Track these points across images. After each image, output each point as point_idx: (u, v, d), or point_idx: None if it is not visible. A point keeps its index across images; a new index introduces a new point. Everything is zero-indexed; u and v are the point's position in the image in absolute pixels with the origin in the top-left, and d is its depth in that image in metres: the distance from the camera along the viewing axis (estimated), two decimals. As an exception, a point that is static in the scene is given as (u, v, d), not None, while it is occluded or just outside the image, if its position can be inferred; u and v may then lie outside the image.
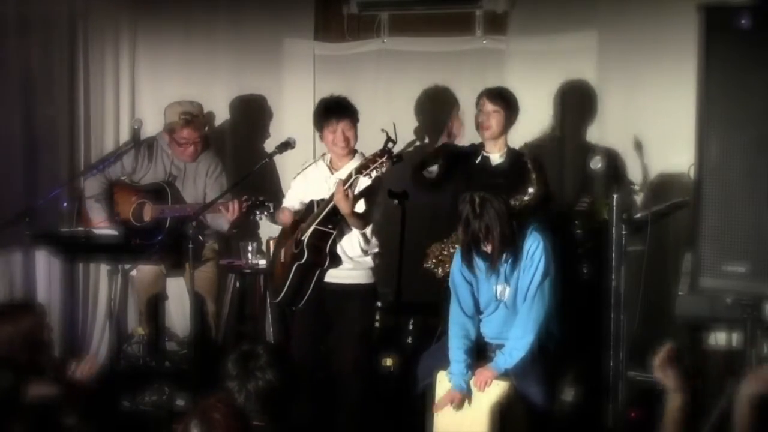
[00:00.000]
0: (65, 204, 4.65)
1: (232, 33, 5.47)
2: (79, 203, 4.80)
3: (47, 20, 5.16)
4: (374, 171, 3.84)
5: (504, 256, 3.60)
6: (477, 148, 4.34)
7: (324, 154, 4.28)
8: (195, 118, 4.74)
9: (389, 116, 5.09)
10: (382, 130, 3.91)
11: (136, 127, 4.96)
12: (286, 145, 4.37)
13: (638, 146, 4.51)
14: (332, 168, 4.19)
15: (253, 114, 5.47)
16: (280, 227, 4.45)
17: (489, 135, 4.26)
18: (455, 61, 5.18)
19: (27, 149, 5.05)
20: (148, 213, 4.67)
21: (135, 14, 5.57)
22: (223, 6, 5.48)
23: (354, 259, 4.13)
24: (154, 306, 4.96)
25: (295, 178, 4.36)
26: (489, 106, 4.23)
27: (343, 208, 3.88)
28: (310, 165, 4.31)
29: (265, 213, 4.28)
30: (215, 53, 5.49)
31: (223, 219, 4.44)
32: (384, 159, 3.82)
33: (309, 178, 4.26)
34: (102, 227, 4.63)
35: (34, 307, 3.37)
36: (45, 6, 5.14)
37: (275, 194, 5.27)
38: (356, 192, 3.90)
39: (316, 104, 4.28)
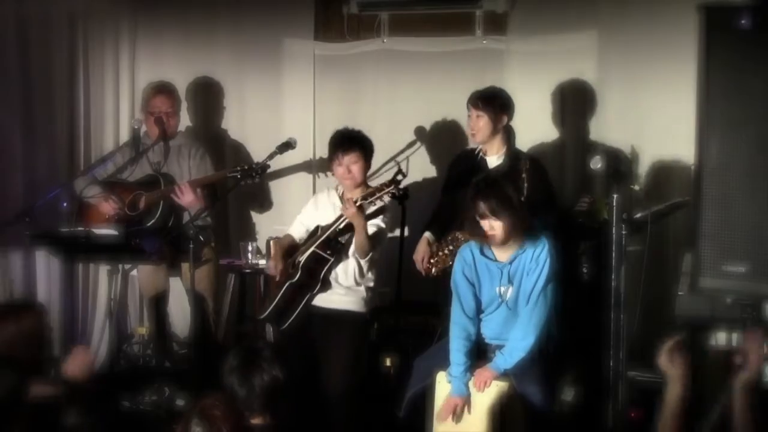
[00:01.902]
0: (65, 204, 4.64)
1: (232, 33, 5.47)
2: (79, 204, 4.81)
3: (47, 20, 5.17)
4: (379, 200, 3.84)
5: (511, 255, 3.60)
6: (477, 151, 4.34)
7: (338, 185, 4.26)
8: (165, 86, 4.87)
9: (389, 116, 5.13)
10: (396, 161, 3.92)
11: (136, 127, 4.97)
12: (287, 146, 4.38)
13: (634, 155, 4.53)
14: (344, 198, 4.16)
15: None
16: (279, 227, 4.46)
17: (476, 140, 4.28)
18: (455, 61, 5.17)
19: (27, 149, 5.05)
20: (143, 202, 4.67)
21: (135, 14, 5.58)
22: (223, 6, 5.49)
23: (347, 287, 4.11)
24: (158, 306, 4.97)
25: (306, 204, 4.35)
26: (472, 111, 4.24)
27: (357, 222, 3.88)
28: (322, 193, 4.31)
29: (256, 179, 4.34)
30: (215, 53, 5.49)
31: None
32: (390, 189, 3.82)
33: (320, 205, 4.25)
34: (105, 225, 4.63)
35: (36, 306, 3.37)
36: (45, 6, 5.14)
37: (268, 195, 5.32)
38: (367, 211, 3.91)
39: (331, 137, 4.22)
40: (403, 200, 3.89)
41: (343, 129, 4.22)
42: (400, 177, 3.87)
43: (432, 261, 4.30)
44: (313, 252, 4.04)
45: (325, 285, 4.06)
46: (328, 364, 4.02)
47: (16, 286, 4.99)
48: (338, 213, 4.06)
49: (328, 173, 4.53)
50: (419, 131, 5.17)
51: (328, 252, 4.02)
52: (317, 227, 4.14)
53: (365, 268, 4.12)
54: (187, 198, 4.54)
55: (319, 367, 4.06)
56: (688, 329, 3.69)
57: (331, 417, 4.03)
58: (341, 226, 4.01)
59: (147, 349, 5.07)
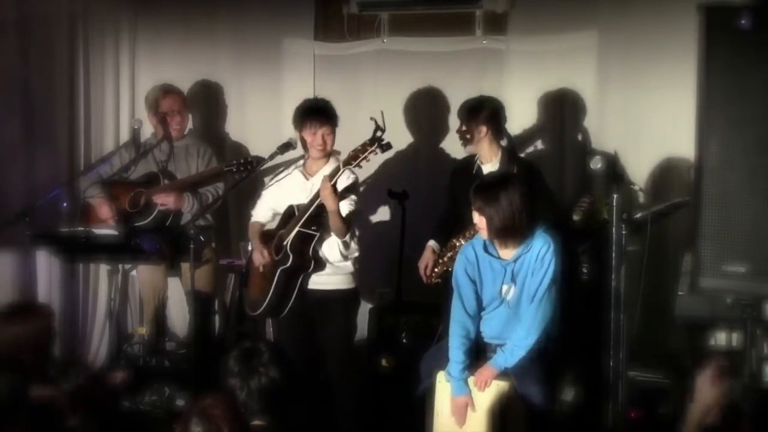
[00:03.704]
0: (65, 204, 4.65)
1: (232, 33, 5.48)
2: (83, 204, 4.82)
3: (47, 20, 5.17)
4: (365, 160, 3.84)
5: (515, 253, 3.62)
6: (474, 160, 4.35)
7: (298, 161, 4.25)
8: (173, 87, 4.93)
9: (389, 116, 5.11)
10: (371, 118, 3.91)
11: (136, 127, 4.98)
12: (287, 146, 4.37)
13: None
14: (307, 173, 4.19)
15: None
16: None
17: (466, 150, 4.34)
18: (455, 61, 5.17)
19: (27, 149, 5.05)
20: (144, 200, 4.69)
21: (135, 14, 5.58)
22: (223, 6, 5.49)
23: (334, 264, 4.11)
24: (160, 306, 4.98)
25: (266, 188, 4.33)
26: (460, 123, 4.31)
27: (330, 204, 3.88)
28: (283, 176, 4.26)
29: (252, 172, 4.36)
30: (215, 53, 5.49)
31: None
32: (374, 147, 3.82)
33: (284, 188, 4.24)
34: (105, 225, 4.64)
35: (42, 309, 3.35)
36: (45, 6, 5.14)
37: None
38: (340, 188, 3.90)
39: (299, 104, 4.25)
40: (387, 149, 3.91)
41: (314, 99, 4.31)
42: (379, 133, 3.86)
43: (435, 270, 4.31)
44: (299, 232, 4.03)
45: (318, 263, 4.06)
46: (327, 345, 4.12)
47: (16, 286, 4.99)
48: (306, 191, 4.10)
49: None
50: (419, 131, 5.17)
51: (313, 228, 4.03)
52: (291, 207, 4.13)
53: (348, 240, 4.11)
54: (167, 201, 4.59)
55: (318, 349, 4.16)
56: (681, 334, 3.69)
57: (336, 397, 4.10)
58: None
59: (147, 349, 5.07)
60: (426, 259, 4.34)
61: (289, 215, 4.11)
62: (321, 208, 3.95)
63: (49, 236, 4.53)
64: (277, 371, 2.56)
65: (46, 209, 4.54)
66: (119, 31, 5.54)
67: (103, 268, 5.28)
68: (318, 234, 4.03)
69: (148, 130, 5.03)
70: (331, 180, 3.85)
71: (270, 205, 4.29)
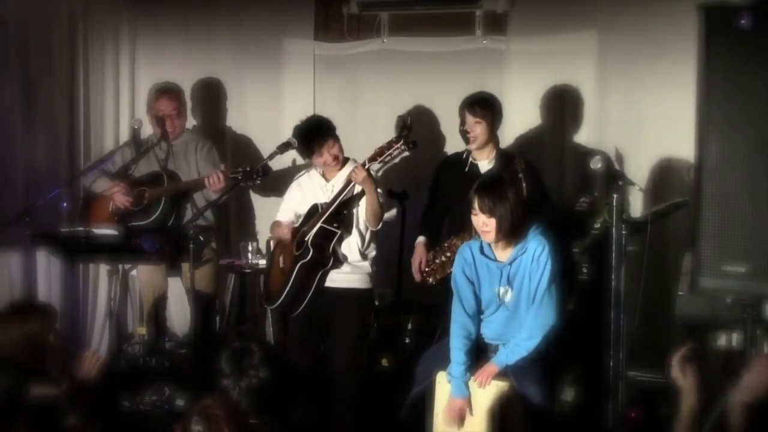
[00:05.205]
0: (65, 204, 4.65)
1: (232, 33, 5.48)
2: (85, 200, 4.82)
3: (47, 20, 5.17)
4: (390, 158, 3.84)
5: (511, 255, 3.61)
6: (465, 156, 4.33)
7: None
8: (169, 88, 4.90)
9: (389, 116, 5.12)
10: (399, 116, 3.91)
11: (136, 127, 4.97)
12: (287, 146, 4.37)
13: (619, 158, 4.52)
14: (326, 177, 4.21)
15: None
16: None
17: (476, 146, 4.25)
18: (455, 61, 5.18)
19: (27, 149, 5.05)
20: (147, 198, 4.69)
21: (135, 14, 5.59)
22: (223, 6, 5.50)
23: (352, 264, 4.13)
24: (159, 306, 4.98)
25: (289, 189, 4.35)
26: (470, 118, 4.23)
27: (368, 186, 3.90)
28: (302, 176, 4.31)
29: (257, 180, 4.34)
30: (215, 53, 5.50)
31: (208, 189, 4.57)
32: (400, 144, 3.82)
33: (304, 188, 4.27)
34: (105, 225, 4.63)
35: (44, 309, 3.35)
36: (45, 6, 5.14)
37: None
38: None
39: (297, 134, 4.23)
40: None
41: (305, 122, 4.25)
42: (405, 132, 3.84)
43: (429, 268, 4.30)
44: (320, 228, 4.06)
45: (337, 260, 4.09)
46: (337, 341, 4.12)
47: (16, 286, 4.99)
48: (326, 192, 4.13)
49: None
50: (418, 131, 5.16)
51: (335, 225, 4.05)
52: (315, 205, 4.15)
53: (367, 239, 4.15)
54: (219, 186, 4.50)
55: (327, 346, 4.19)
56: (693, 333, 3.70)
57: (339, 396, 4.10)
58: (347, 197, 4.03)
59: (147, 348, 5.07)
60: (419, 255, 4.33)
61: (312, 214, 4.15)
62: (343, 205, 3.99)
63: (49, 236, 4.53)
64: (267, 371, 2.55)
65: (46, 209, 4.54)
66: (119, 31, 5.55)
67: (103, 268, 5.28)
68: (339, 232, 4.06)
69: (149, 128, 5.03)
70: (364, 167, 3.88)
71: (292, 206, 4.31)
